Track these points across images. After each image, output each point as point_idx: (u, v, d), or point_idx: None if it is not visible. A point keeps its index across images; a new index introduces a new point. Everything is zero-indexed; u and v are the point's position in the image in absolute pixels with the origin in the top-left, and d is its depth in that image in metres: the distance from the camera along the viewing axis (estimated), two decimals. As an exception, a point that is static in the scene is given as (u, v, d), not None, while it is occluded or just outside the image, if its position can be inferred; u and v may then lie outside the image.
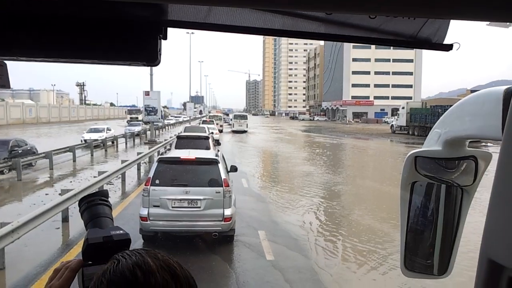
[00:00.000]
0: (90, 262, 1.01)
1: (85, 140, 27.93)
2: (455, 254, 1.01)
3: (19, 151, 19.37)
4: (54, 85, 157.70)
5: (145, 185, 8.47)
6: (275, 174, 20.27)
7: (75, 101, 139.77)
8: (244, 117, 53.09)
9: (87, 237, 1.04)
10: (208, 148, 16.11)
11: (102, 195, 1.18)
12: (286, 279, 6.86)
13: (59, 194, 9.64)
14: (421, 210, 1.07)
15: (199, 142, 16.86)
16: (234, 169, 10.51)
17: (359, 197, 14.73)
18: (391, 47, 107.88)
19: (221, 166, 8.70)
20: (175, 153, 11.50)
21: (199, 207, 8.21)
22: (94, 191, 1.24)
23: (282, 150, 31.64)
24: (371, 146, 37.38)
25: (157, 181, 8.33)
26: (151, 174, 8.51)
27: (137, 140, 36.09)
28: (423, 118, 45.54)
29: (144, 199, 8.28)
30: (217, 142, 25.15)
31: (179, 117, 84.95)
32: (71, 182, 16.19)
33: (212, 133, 25.39)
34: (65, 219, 9.89)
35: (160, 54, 0.74)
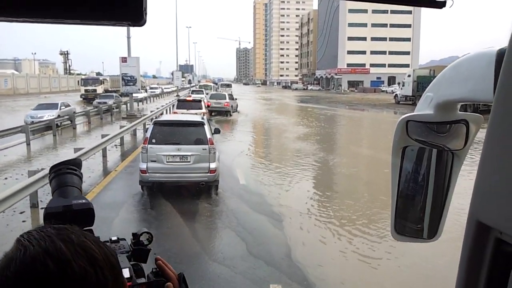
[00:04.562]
0: None
1: None
2: (444, 218, 1.02)
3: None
4: (35, 53, 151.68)
5: (143, 143, 9.87)
6: (275, 159, 16.26)
7: (60, 71, 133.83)
8: (229, 86, 63.42)
9: (46, 206, 1.03)
10: (201, 108, 22.04)
11: (71, 164, 1.14)
12: None
13: None
14: (412, 175, 1.06)
15: (195, 104, 22.85)
16: (217, 131, 12.25)
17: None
18: (389, 11, 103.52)
19: (206, 128, 10.04)
20: (167, 116, 15.97)
21: (189, 162, 9.58)
22: (65, 160, 1.19)
23: (278, 124, 27.68)
24: (381, 119, 33.48)
25: (153, 140, 9.65)
26: (148, 135, 9.90)
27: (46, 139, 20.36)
28: (431, 87, 41.55)
29: (143, 155, 9.61)
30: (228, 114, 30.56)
31: (156, 88, 70.03)
32: None
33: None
34: None
35: (146, 14, 0.69)
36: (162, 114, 24.95)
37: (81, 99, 50.09)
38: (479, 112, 0.76)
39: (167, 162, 9.51)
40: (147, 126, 22.28)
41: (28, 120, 21.92)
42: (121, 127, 17.15)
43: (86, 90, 51.20)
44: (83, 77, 67.72)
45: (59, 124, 22.63)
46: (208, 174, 9.53)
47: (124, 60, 29.31)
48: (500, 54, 0.68)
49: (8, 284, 0.69)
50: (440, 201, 1.03)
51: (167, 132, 9.96)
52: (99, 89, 51.04)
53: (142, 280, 1.07)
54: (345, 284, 6.08)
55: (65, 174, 1.13)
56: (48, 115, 23.23)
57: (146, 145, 9.59)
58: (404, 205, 1.08)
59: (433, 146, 1.00)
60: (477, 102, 0.81)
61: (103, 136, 14.19)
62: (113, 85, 59.48)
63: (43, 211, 1.02)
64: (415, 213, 1.10)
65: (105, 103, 33.38)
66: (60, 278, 0.69)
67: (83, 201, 1.07)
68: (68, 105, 26.65)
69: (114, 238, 1.18)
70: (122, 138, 16.93)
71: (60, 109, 24.97)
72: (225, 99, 30.72)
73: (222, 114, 30.22)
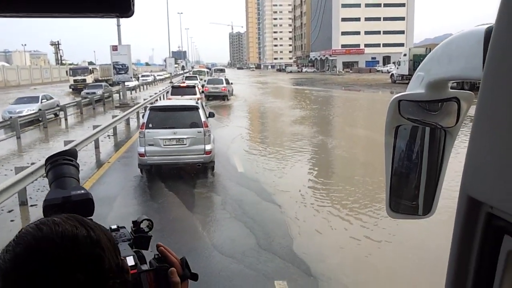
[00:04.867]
0: None
1: None
2: (438, 195, 1.03)
3: None
4: (25, 45, 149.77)
5: (141, 128, 10.18)
6: (273, 144, 15.82)
7: (52, 62, 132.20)
8: (222, 70, 63.31)
9: (45, 198, 1.03)
10: (195, 94, 22.10)
11: (67, 154, 1.16)
12: None
13: None
14: (406, 153, 1.08)
15: (189, 90, 23.10)
16: (212, 115, 12.64)
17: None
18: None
19: (201, 111, 10.38)
20: (163, 102, 16.14)
21: (185, 144, 9.93)
22: (61, 150, 1.21)
23: (275, 108, 27.23)
24: (378, 100, 33.00)
25: (150, 125, 9.95)
26: (145, 120, 10.16)
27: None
28: (428, 65, 40.92)
29: (141, 140, 9.93)
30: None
31: (148, 76, 66.54)
32: None
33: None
34: None
35: (133, 4, 0.70)
36: (156, 101, 24.82)
37: (71, 89, 48.32)
38: (475, 89, 0.72)
39: (164, 145, 9.90)
40: (141, 114, 21.97)
41: (6, 116, 20.17)
42: (113, 116, 16.65)
43: (75, 80, 49.04)
44: (71, 67, 64.95)
45: (40, 118, 20.70)
46: (204, 155, 9.93)
47: (115, 48, 28.62)
48: (489, 32, 0.69)
49: (9, 254, 0.75)
50: (434, 178, 1.03)
51: (163, 116, 10.28)
52: (89, 79, 49.07)
53: (145, 267, 1.06)
54: (349, 278, 5.73)
55: (61, 165, 1.12)
56: (28, 109, 21.40)
57: (144, 129, 9.93)
58: (398, 183, 1.09)
59: (426, 124, 1.01)
60: (467, 80, 0.82)
61: (94, 127, 13.71)
62: (103, 74, 57.90)
63: (42, 203, 1.00)
64: (410, 191, 1.11)
65: (94, 93, 31.69)
66: (53, 237, 0.75)
67: (82, 191, 1.07)
68: (51, 98, 24.57)
69: (114, 227, 1.16)
70: (115, 128, 16.46)
71: (41, 102, 22.93)
72: (223, 84, 31.56)
73: (219, 98, 30.81)
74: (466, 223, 0.61)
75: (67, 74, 59.00)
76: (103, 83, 37.61)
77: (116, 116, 16.85)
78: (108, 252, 0.80)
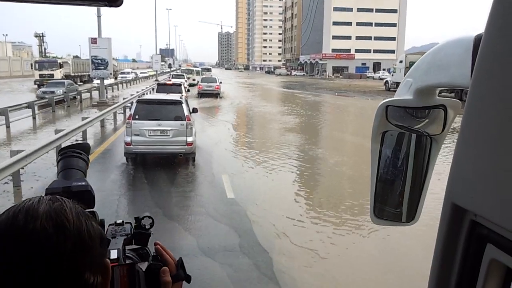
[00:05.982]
0: None
1: None
2: (422, 202, 1.03)
3: None
4: (6, 35, 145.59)
5: (128, 119, 10.95)
6: (270, 157, 13.70)
7: (36, 54, 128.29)
8: (209, 70, 67.65)
9: (47, 187, 1.07)
10: (180, 92, 21.01)
11: (78, 148, 1.20)
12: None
13: None
14: (391, 160, 1.08)
15: (175, 88, 22.64)
16: (195, 110, 12.73)
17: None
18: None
19: (184, 106, 11.19)
20: (150, 95, 18.77)
21: (169, 135, 10.69)
22: (73, 143, 1.28)
23: (268, 113, 25.16)
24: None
25: (137, 116, 10.69)
26: (132, 111, 10.89)
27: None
28: (424, 73, 39.37)
29: (127, 130, 10.66)
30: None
31: (128, 73, 58.72)
32: None
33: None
34: None
35: None
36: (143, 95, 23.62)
37: (36, 85, 41.66)
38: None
39: (149, 135, 10.61)
40: (118, 115, 19.83)
41: None
42: (83, 118, 14.39)
43: (41, 75, 42.70)
44: (37, 59, 56.63)
45: None
46: (186, 146, 10.69)
47: (94, 41, 26.15)
48: (477, 40, 0.69)
49: None
50: (418, 186, 1.02)
51: (149, 109, 10.95)
52: (57, 74, 42.90)
53: (146, 264, 1.08)
54: None
55: (70, 157, 1.16)
56: None
57: (130, 120, 10.63)
58: (383, 189, 1.07)
59: (412, 131, 1.00)
60: (455, 87, 0.82)
61: (56, 131, 11.46)
62: (76, 70, 52.29)
63: (45, 191, 1.02)
64: (394, 198, 1.09)
65: (53, 92, 26.65)
66: (21, 231, 0.74)
67: (82, 183, 1.09)
68: None
69: (119, 221, 1.18)
70: (84, 132, 14.21)
71: None
72: (216, 82, 34.16)
73: (211, 96, 32.96)
74: (450, 230, 0.61)
75: (31, 68, 51.73)
76: (67, 81, 32.18)
77: (87, 118, 14.56)
78: (66, 266, 0.76)
